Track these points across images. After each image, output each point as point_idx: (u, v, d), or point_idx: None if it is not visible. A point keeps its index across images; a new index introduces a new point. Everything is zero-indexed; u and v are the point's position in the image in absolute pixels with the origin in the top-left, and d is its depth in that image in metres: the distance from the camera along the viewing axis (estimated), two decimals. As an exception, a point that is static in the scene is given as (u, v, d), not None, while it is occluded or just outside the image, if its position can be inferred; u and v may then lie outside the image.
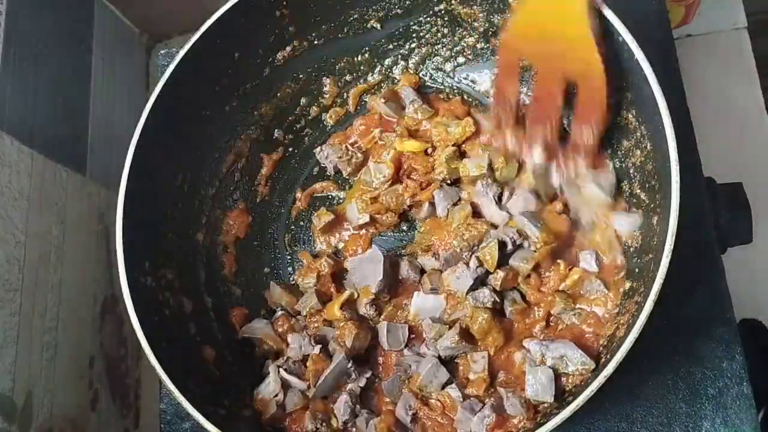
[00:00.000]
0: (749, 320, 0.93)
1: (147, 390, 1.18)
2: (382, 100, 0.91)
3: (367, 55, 0.93)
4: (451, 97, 0.93)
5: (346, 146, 0.92)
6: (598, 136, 0.75)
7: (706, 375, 0.77)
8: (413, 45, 0.92)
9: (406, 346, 0.81)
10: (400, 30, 0.91)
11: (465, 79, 0.93)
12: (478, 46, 0.89)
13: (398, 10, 0.89)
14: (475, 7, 0.85)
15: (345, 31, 0.90)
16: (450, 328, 0.78)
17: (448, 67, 0.93)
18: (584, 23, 0.67)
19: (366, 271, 0.83)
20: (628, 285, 0.74)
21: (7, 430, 0.84)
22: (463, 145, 0.87)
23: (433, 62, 0.93)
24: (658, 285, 0.62)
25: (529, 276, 0.78)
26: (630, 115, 0.74)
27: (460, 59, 0.92)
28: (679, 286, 0.65)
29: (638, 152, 0.74)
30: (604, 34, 0.69)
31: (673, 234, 0.62)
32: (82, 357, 1.04)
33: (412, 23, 0.90)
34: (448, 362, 0.79)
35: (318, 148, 0.94)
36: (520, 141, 0.81)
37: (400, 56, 0.93)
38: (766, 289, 1.00)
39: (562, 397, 0.73)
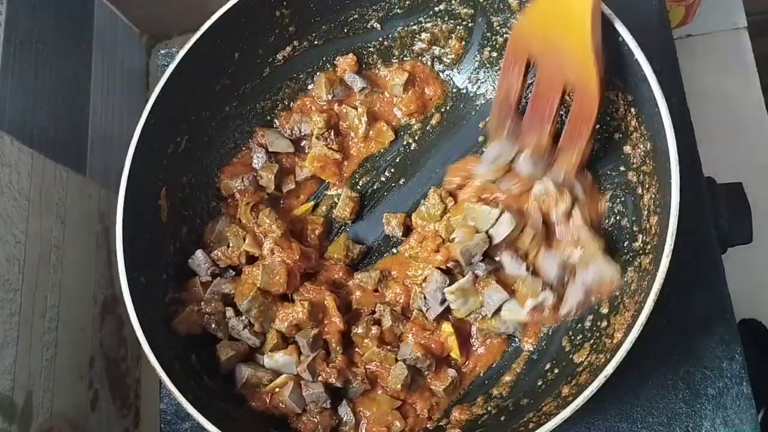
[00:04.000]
0: (749, 320, 0.93)
1: (147, 390, 1.18)
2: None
3: (367, 55, 0.93)
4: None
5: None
6: (582, 148, 0.74)
7: (706, 375, 0.77)
8: (413, 45, 0.92)
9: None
10: (400, 30, 0.91)
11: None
12: (478, 46, 0.89)
13: (398, 10, 0.89)
14: (475, 7, 0.85)
15: (345, 31, 0.90)
16: None
17: (448, 67, 0.93)
18: (585, 33, 0.66)
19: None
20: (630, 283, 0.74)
21: (7, 430, 0.84)
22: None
23: (433, 62, 0.93)
24: (658, 285, 0.62)
25: None
26: (630, 115, 0.74)
27: (460, 59, 0.92)
28: (679, 286, 0.65)
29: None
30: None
31: (673, 234, 0.62)
32: (82, 357, 1.04)
33: (412, 23, 0.90)
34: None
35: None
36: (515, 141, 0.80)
37: (400, 56, 0.93)
38: (766, 289, 1.00)
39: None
